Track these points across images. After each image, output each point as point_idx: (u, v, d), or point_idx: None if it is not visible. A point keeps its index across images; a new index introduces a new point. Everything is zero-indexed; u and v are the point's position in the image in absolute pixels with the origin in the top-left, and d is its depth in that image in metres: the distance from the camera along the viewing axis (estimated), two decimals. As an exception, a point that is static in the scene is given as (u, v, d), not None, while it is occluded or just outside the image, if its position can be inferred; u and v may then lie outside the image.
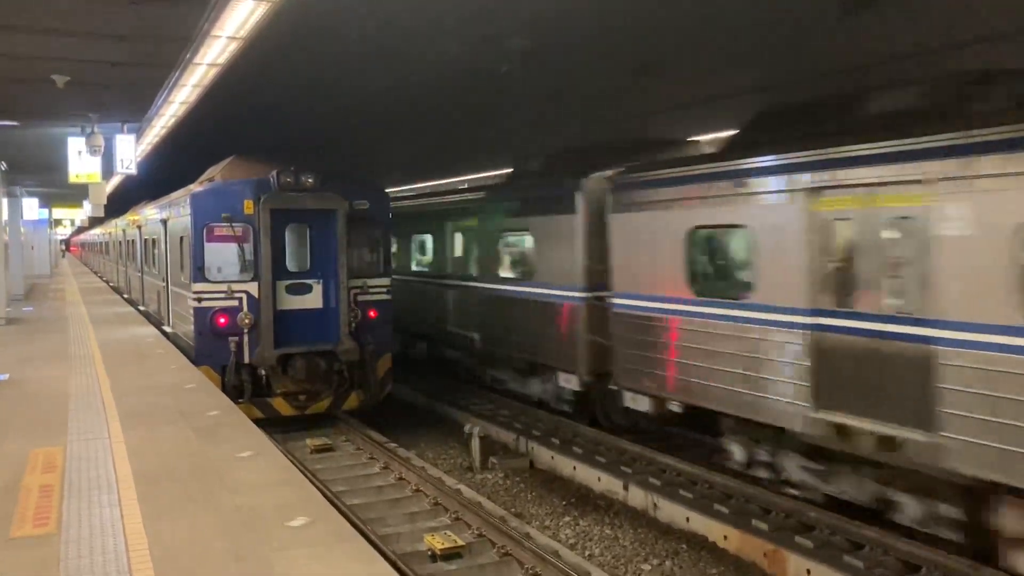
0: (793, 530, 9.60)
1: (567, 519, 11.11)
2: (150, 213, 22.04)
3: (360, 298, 14.77)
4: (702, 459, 11.97)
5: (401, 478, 12.12)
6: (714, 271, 11.02)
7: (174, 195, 17.89)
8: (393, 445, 13.62)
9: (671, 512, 10.79)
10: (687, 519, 10.51)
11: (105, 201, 23.13)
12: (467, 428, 13.74)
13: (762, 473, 10.26)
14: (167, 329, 18.14)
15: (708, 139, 15.42)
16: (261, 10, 8.59)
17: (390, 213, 15.92)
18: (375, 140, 22.03)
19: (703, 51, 12.38)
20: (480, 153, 22.52)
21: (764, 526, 9.78)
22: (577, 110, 16.76)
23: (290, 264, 14.62)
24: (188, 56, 10.45)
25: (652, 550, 9.98)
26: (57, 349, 15.43)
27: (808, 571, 8.81)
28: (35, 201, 37.46)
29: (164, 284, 18.83)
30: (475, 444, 13.36)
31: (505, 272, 15.78)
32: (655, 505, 11.05)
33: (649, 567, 9.54)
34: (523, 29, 11.44)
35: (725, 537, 9.93)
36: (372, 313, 14.90)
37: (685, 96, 15.14)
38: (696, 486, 11.22)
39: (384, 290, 15.18)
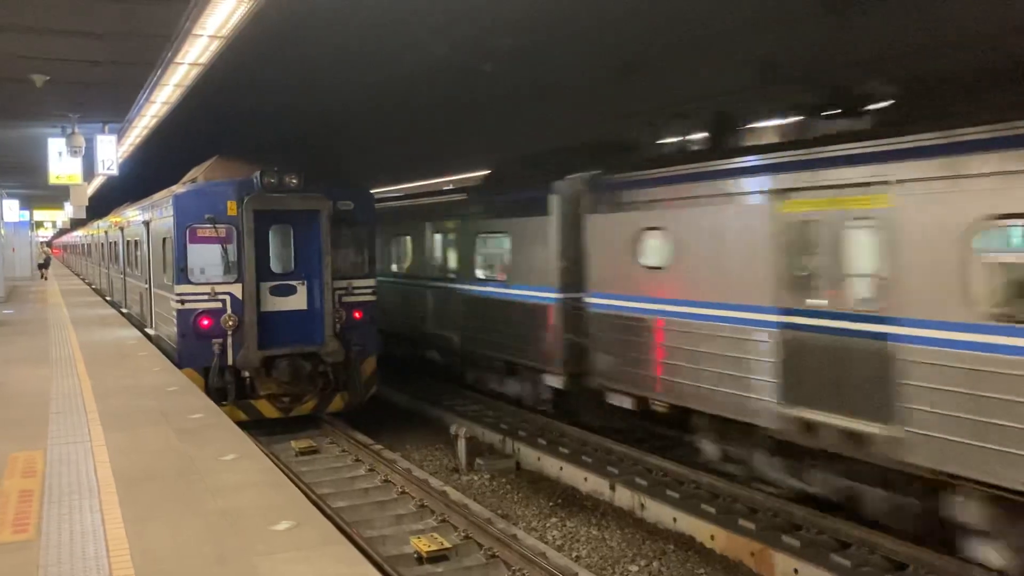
0: (780, 529, 9.60)
1: (554, 520, 11.07)
2: (132, 215, 21.86)
3: (345, 299, 14.68)
4: (688, 459, 11.96)
5: (387, 480, 12.04)
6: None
7: (156, 196, 17.75)
8: (379, 447, 13.55)
9: (658, 512, 10.76)
10: (674, 519, 10.48)
11: (87, 203, 22.92)
12: (453, 429, 13.67)
13: None
14: (150, 331, 17.99)
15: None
16: (243, 9, 8.51)
17: (374, 213, 15.83)
18: (359, 140, 21.94)
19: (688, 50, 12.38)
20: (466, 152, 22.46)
21: (751, 526, 9.77)
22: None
23: (274, 265, 14.52)
24: (169, 55, 10.36)
25: (639, 551, 9.95)
26: (38, 351, 15.26)
27: (795, 570, 8.80)
28: (15, 203, 37.12)
29: (147, 286, 18.68)
30: (461, 445, 13.30)
31: None
32: (642, 505, 11.02)
33: (636, 568, 9.51)
34: (508, 28, 11.41)
35: (712, 537, 9.91)
36: (357, 314, 14.81)
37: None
38: (683, 486, 11.20)
39: (369, 291, 15.10)
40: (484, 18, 11.03)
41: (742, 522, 9.87)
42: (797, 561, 8.83)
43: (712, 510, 10.36)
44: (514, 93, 15.65)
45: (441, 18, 10.86)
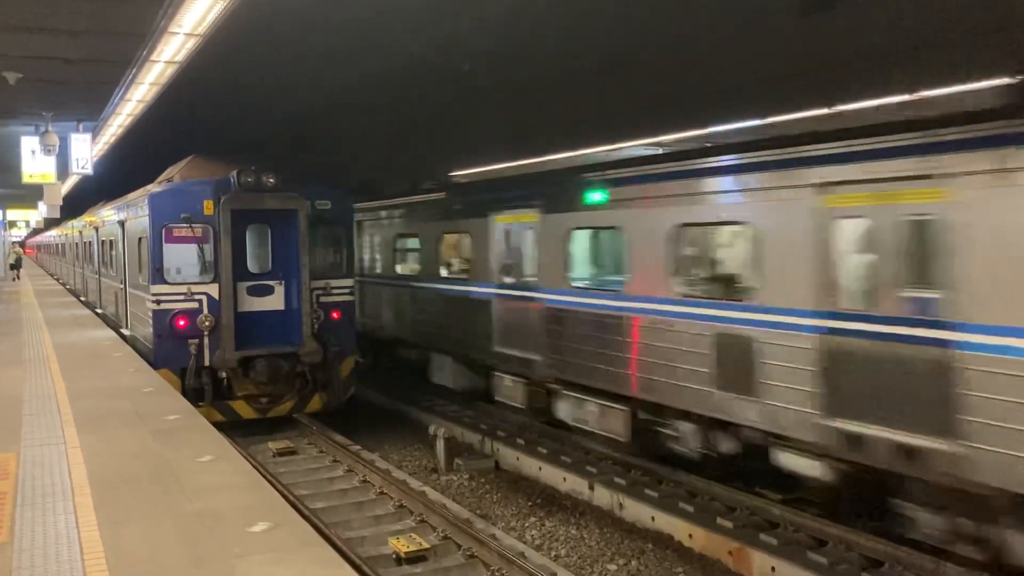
0: (758, 528, 9.66)
1: (533, 520, 11.08)
2: (107, 214, 21.65)
3: (323, 299, 14.62)
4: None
5: (365, 481, 12.00)
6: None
7: (132, 196, 17.59)
8: (357, 447, 13.50)
9: (637, 511, 10.79)
10: (652, 518, 10.51)
11: (61, 202, 22.70)
12: (432, 429, 13.64)
13: None
14: (125, 332, 17.82)
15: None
16: (219, 6, 8.45)
17: (353, 213, 15.77)
18: (340, 138, 21.85)
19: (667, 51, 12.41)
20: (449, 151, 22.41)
21: (729, 524, 9.82)
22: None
23: (251, 265, 14.44)
24: (144, 53, 10.26)
25: (618, 550, 9.98)
26: (10, 352, 15.07)
27: (773, 568, 8.85)
28: (-12, 202, 36.72)
29: (122, 286, 18.51)
30: (440, 445, 13.28)
31: None
32: (621, 505, 11.05)
33: (615, 567, 9.53)
34: (487, 28, 11.39)
35: (690, 535, 9.95)
36: (335, 314, 14.75)
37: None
38: (661, 485, 11.24)
39: (347, 291, 15.04)
40: (464, 18, 11.00)
41: (720, 521, 9.92)
42: (775, 559, 8.88)
43: (690, 508, 10.40)
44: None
45: (422, 16, 10.83)
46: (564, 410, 12.59)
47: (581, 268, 12.99)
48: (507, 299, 13.73)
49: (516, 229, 13.60)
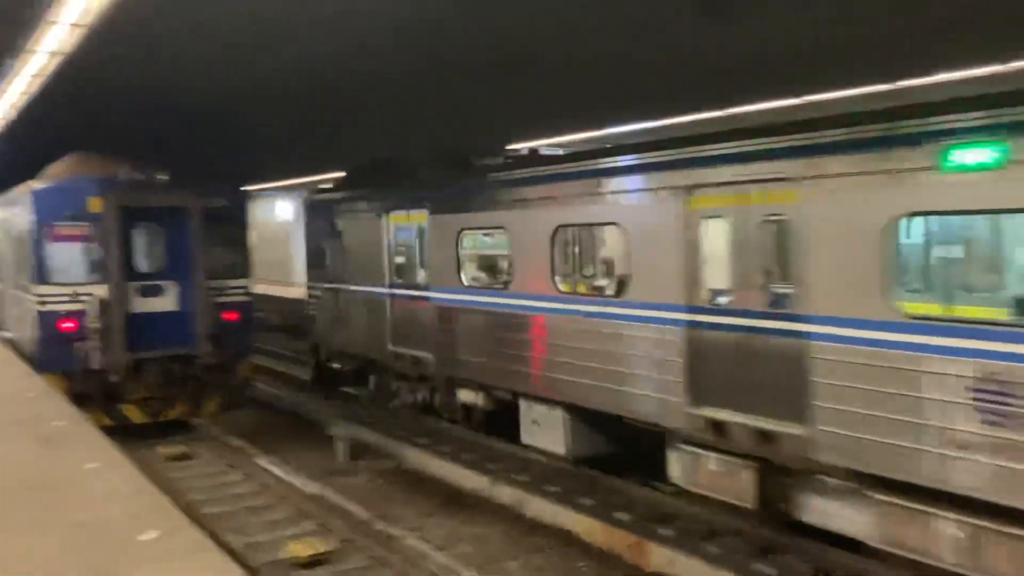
0: (656, 520, 9.87)
1: (436, 519, 11.06)
2: (-14, 211, 20.63)
3: (218, 300, 14.30)
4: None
5: (262, 485, 11.79)
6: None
7: (13, 192, 16.83)
8: (254, 451, 13.25)
9: (537, 508, 10.89)
10: (554, 514, 10.63)
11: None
12: (332, 430, 13.48)
13: None
14: (7, 335, 17.07)
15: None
16: (105, -4, 8.15)
17: (247, 212, 15.45)
18: (237, 137, 21.36)
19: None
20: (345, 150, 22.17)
21: (627, 517, 10.00)
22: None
23: (142, 265, 14.07)
24: (21, 42, 9.81)
25: (521, 546, 10.05)
26: None
27: (670, 560, 9.05)
28: None
29: (2, 287, 17.72)
30: (341, 446, 13.14)
31: None
32: (522, 502, 11.13)
33: (518, 564, 9.60)
34: (388, 29, 11.30)
35: (591, 531, 10.09)
36: (231, 315, 14.45)
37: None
38: (561, 480, 11.38)
39: (243, 291, 14.74)
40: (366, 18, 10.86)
41: (618, 515, 10.10)
42: (672, 552, 9.08)
43: (590, 503, 10.56)
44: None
45: (328, 10, 10.64)
46: (855, 521, 7.84)
47: (926, 282, 8.33)
48: (722, 330, 8.87)
49: (743, 217, 8.66)
